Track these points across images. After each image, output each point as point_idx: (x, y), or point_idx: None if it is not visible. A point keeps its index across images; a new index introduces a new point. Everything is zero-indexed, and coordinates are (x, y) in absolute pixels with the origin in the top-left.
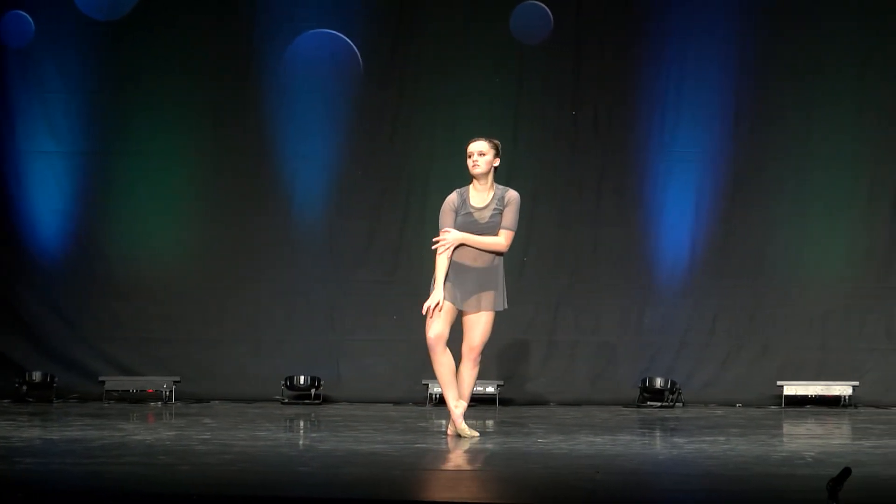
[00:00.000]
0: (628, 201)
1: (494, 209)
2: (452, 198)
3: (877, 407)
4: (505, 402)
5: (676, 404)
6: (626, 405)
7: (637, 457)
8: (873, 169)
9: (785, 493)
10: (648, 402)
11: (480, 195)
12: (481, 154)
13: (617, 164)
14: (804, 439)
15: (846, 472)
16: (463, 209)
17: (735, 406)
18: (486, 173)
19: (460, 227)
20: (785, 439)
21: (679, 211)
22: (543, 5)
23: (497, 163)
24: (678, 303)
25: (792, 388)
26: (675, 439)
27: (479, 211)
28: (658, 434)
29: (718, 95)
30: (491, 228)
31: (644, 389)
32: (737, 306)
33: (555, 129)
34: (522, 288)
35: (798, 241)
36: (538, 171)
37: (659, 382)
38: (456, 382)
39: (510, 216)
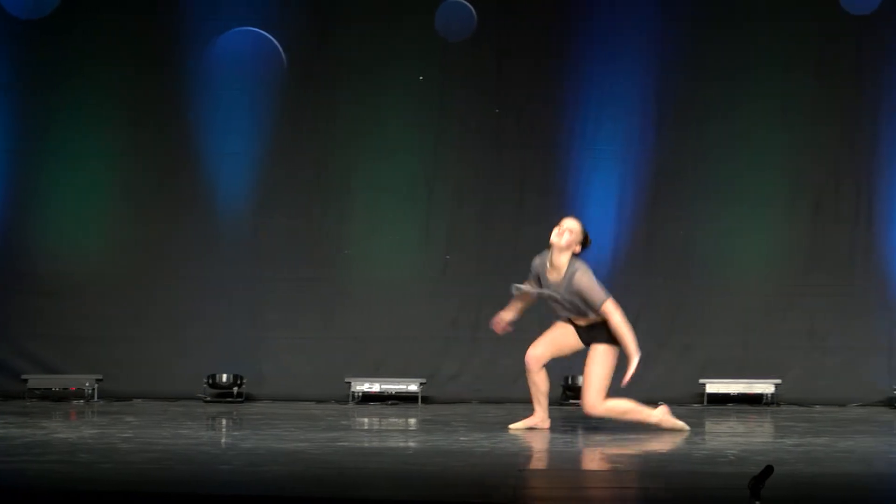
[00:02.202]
0: (551, 199)
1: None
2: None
3: (799, 405)
4: (427, 399)
5: None
6: (551, 403)
7: (560, 454)
8: (796, 168)
9: (707, 490)
10: (571, 400)
11: (554, 271)
12: (570, 231)
13: (540, 162)
14: (726, 437)
15: (768, 470)
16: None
17: (657, 404)
18: (564, 250)
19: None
20: (707, 437)
21: (602, 209)
22: (467, 3)
23: (578, 251)
24: None
25: (714, 387)
26: (597, 437)
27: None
28: (580, 432)
29: (642, 94)
30: (565, 309)
31: (566, 387)
32: (659, 304)
33: (478, 126)
34: (446, 286)
35: (721, 240)
36: (461, 169)
37: (581, 380)
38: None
39: (591, 296)
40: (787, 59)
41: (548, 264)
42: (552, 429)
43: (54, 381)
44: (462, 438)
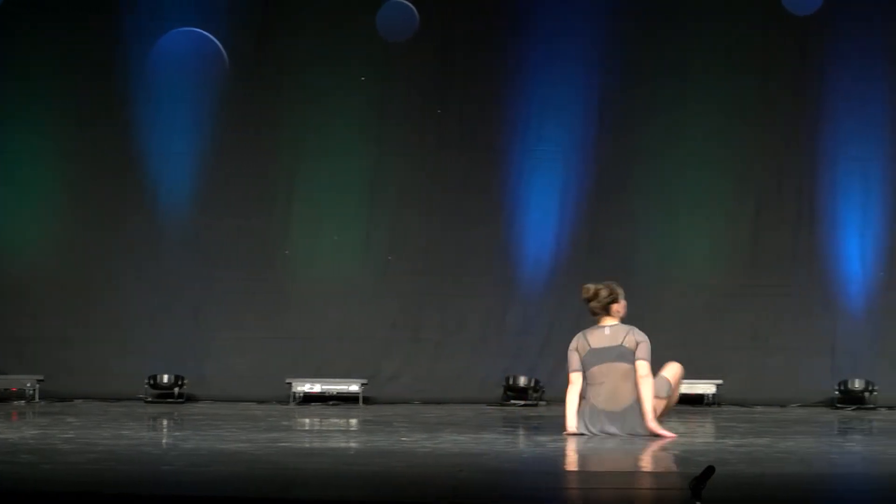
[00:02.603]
0: (493, 199)
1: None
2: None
3: (740, 405)
4: (369, 400)
5: (540, 402)
6: (490, 403)
7: (500, 455)
8: (738, 170)
9: (648, 491)
10: (512, 401)
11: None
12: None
13: (482, 163)
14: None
15: (709, 470)
16: None
17: None
18: None
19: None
20: (648, 438)
21: (543, 210)
22: (409, 3)
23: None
24: (542, 301)
25: None
26: (539, 437)
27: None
28: (521, 432)
29: (584, 95)
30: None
31: (508, 388)
32: None
33: (420, 127)
34: (388, 287)
35: (663, 241)
36: (404, 169)
37: (523, 381)
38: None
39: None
40: (731, 60)
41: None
42: (492, 429)
43: None
44: (403, 439)
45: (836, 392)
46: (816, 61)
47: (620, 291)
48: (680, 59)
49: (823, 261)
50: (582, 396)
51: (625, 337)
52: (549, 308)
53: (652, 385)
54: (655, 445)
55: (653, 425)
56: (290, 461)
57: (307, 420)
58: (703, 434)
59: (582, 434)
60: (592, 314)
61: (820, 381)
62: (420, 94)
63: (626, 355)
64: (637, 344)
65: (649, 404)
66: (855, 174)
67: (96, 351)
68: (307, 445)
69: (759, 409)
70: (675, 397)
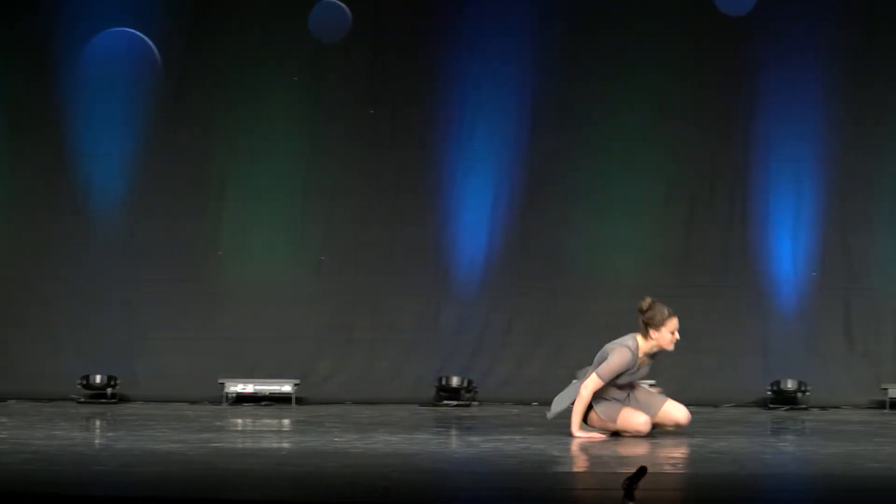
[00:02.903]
0: (426, 200)
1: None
2: (628, 359)
3: None
4: (302, 400)
5: (473, 403)
6: (423, 404)
7: (433, 455)
8: (671, 171)
9: (581, 491)
10: (445, 401)
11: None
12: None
13: (415, 163)
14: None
15: (642, 470)
16: (633, 370)
17: (531, 405)
18: None
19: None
20: (580, 438)
21: (476, 210)
22: (342, 4)
23: None
24: (475, 302)
25: None
26: (472, 438)
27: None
28: (454, 432)
29: (517, 95)
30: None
31: (441, 388)
32: (533, 306)
33: (353, 127)
34: (320, 287)
35: (595, 242)
36: (336, 169)
37: (455, 381)
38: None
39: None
40: (663, 61)
41: (644, 361)
42: (425, 429)
43: None
44: (336, 439)
45: (769, 392)
46: (749, 62)
47: (656, 315)
48: (612, 60)
49: (755, 262)
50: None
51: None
52: (483, 309)
53: (578, 395)
54: (586, 445)
55: (573, 430)
56: (222, 462)
57: (240, 420)
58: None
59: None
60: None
61: (752, 382)
62: (352, 94)
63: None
64: (605, 355)
65: (574, 415)
66: (787, 175)
67: (29, 352)
68: (240, 446)
69: (692, 409)
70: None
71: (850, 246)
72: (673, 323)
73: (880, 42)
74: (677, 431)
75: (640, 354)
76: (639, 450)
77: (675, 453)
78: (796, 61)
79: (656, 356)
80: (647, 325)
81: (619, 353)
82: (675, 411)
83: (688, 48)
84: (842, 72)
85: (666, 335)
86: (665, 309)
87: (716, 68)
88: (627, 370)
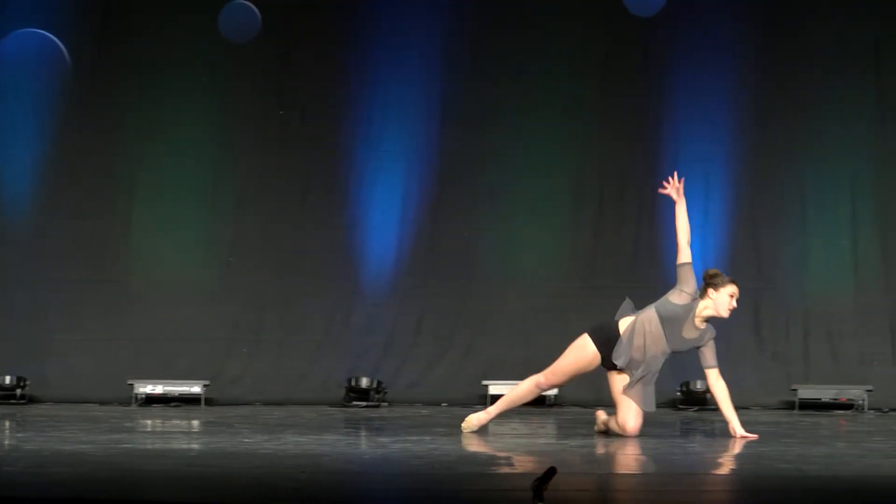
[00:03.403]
0: (335, 200)
1: (695, 340)
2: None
3: (582, 406)
4: (211, 401)
5: (382, 404)
6: (332, 405)
7: (343, 456)
8: (579, 172)
9: (491, 492)
10: (354, 402)
11: (693, 329)
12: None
13: (324, 164)
14: (510, 438)
15: (551, 471)
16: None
17: (441, 405)
18: None
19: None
20: (491, 439)
21: (386, 211)
22: (251, 4)
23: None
24: (384, 302)
25: (497, 388)
26: (381, 439)
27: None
28: (364, 433)
29: (426, 96)
30: (683, 346)
31: (350, 389)
32: (443, 306)
33: (262, 128)
34: (229, 288)
35: (504, 242)
36: (245, 170)
37: (365, 382)
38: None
39: (713, 355)
40: (573, 61)
41: (693, 323)
42: (335, 430)
43: None
44: (245, 440)
45: (678, 393)
46: (658, 62)
47: (718, 277)
48: (521, 60)
49: (664, 262)
50: None
51: None
52: (392, 309)
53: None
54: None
55: None
56: (132, 463)
57: (149, 421)
58: (544, 435)
59: None
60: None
61: (662, 383)
62: (262, 95)
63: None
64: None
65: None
66: (696, 174)
67: None
68: (149, 447)
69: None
70: (514, 398)
71: (760, 246)
72: (733, 288)
73: (788, 42)
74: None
75: (696, 313)
76: (549, 450)
77: (585, 454)
78: (705, 61)
79: (706, 330)
80: (707, 287)
81: (678, 294)
82: (629, 418)
83: (597, 48)
84: (751, 72)
85: (724, 297)
86: (728, 277)
87: (625, 68)
88: (680, 316)
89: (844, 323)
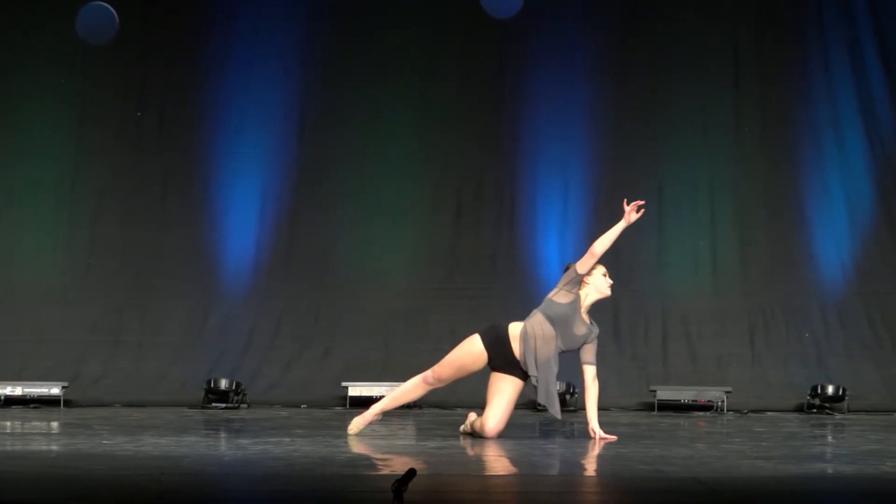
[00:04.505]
0: (193, 202)
1: (584, 334)
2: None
3: (441, 408)
4: (70, 403)
5: (241, 405)
6: (192, 406)
7: (202, 458)
8: (438, 173)
9: (350, 493)
10: (213, 403)
11: (583, 325)
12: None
13: (182, 166)
14: (370, 440)
15: (411, 472)
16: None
17: (300, 407)
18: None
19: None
20: (350, 440)
21: (244, 213)
22: (109, 6)
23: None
24: (243, 304)
25: (357, 390)
26: (241, 440)
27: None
28: (223, 435)
29: (283, 98)
30: (573, 342)
31: (209, 390)
32: (301, 308)
33: (120, 129)
34: (88, 290)
35: (363, 245)
36: (103, 171)
37: (224, 383)
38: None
39: (594, 352)
40: (430, 64)
41: (582, 317)
42: (194, 431)
43: None
44: (105, 442)
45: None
46: (515, 65)
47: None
48: (379, 63)
49: (523, 262)
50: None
51: None
52: (251, 310)
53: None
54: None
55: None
56: None
57: (8, 423)
58: (404, 436)
59: None
60: None
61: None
62: (120, 96)
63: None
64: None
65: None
66: (555, 177)
67: None
68: (8, 448)
69: (460, 410)
70: (399, 395)
71: (618, 247)
72: (602, 268)
73: (646, 45)
74: (447, 434)
75: (581, 305)
76: (409, 451)
77: (445, 455)
78: (563, 63)
79: (593, 326)
80: (582, 279)
81: (560, 293)
82: (490, 419)
83: (455, 50)
84: (608, 74)
85: (598, 277)
86: None
87: (482, 71)
88: (568, 313)
89: (703, 324)
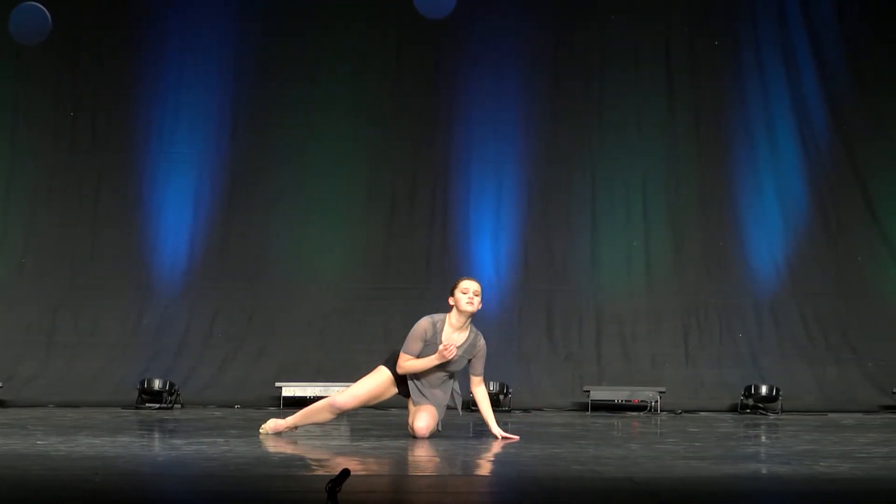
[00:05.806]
0: (127, 203)
1: (465, 352)
2: (424, 326)
3: (377, 409)
4: (5, 403)
5: (175, 406)
6: (126, 406)
7: (136, 458)
8: (371, 174)
9: (284, 494)
10: (147, 404)
11: (457, 333)
12: (477, 294)
13: (116, 166)
14: (304, 440)
15: (345, 473)
16: (433, 340)
17: (234, 407)
18: (472, 314)
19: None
20: (285, 441)
21: (178, 213)
22: (41, 6)
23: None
24: (177, 304)
25: (290, 390)
26: (174, 441)
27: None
28: (157, 435)
29: (217, 99)
30: (456, 365)
31: (143, 391)
32: (235, 308)
33: (54, 130)
34: (22, 290)
35: (297, 245)
36: (37, 172)
37: (158, 384)
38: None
39: (481, 364)
40: (364, 62)
41: (442, 333)
42: (128, 432)
43: None
44: (39, 442)
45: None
46: (449, 64)
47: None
48: (312, 62)
49: (456, 262)
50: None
51: None
52: (185, 311)
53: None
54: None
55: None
56: None
57: None
58: (338, 436)
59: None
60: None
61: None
62: (53, 97)
63: None
64: None
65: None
66: (488, 176)
67: None
68: None
69: (394, 411)
70: (309, 413)
71: (552, 247)
72: (464, 283)
73: (579, 45)
74: (381, 434)
75: (449, 325)
76: (343, 451)
77: (379, 456)
78: (497, 63)
79: (476, 340)
80: (449, 298)
81: (418, 322)
82: (419, 419)
83: (388, 50)
84: (541, 74)
85: (458, 295)
86: (462, 277)
87: (416, 70)
88: (426, 340)
89: (637, 324)
